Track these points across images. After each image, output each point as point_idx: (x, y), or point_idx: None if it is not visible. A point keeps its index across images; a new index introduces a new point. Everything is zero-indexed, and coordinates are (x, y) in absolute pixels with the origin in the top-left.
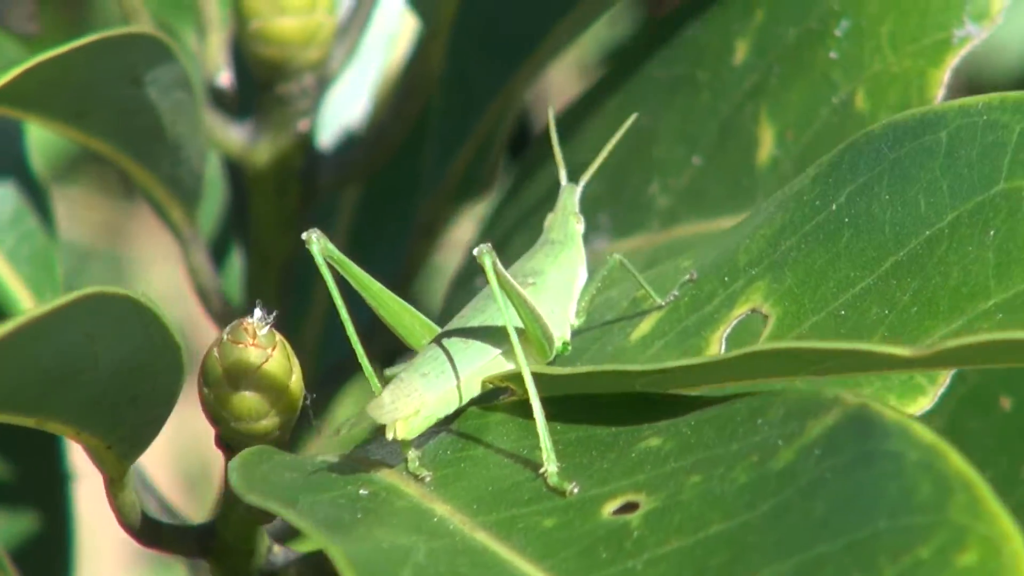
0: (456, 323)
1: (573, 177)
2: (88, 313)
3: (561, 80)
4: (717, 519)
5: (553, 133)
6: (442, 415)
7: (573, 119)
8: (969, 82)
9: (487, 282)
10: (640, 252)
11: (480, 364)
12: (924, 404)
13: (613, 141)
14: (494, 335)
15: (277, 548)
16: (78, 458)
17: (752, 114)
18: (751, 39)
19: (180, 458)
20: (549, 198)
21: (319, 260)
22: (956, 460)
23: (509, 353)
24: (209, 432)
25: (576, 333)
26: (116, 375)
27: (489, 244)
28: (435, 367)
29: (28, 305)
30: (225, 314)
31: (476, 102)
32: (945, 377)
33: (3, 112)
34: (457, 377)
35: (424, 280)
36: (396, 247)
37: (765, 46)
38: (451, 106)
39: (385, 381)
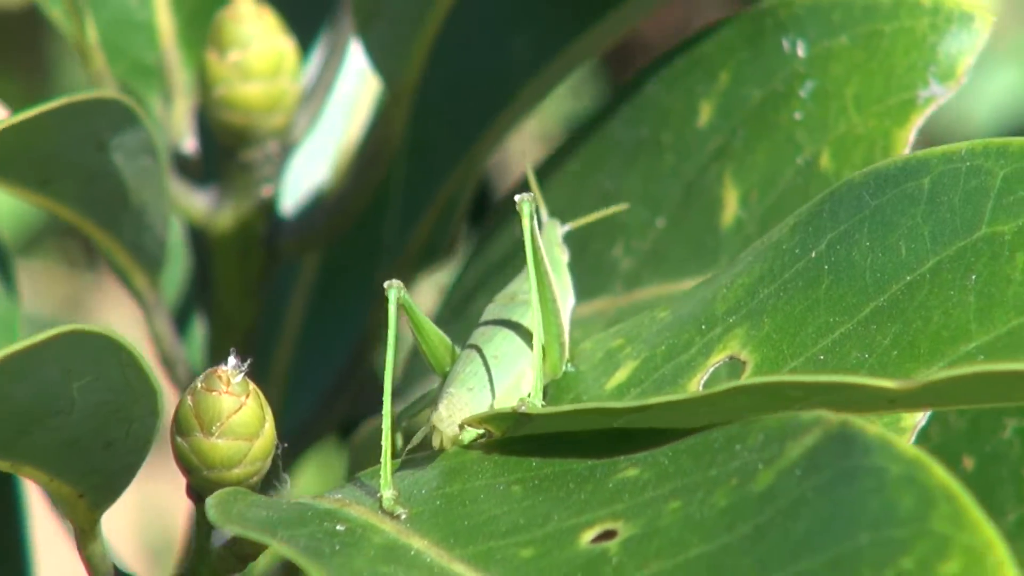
0: (479, 340)
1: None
2: (67, 350)
3: (524, 149)
4: (697, 542)
5: (531, 175)
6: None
7: (537, 180)
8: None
9: (492, 303)
10: (603, 315)
11: (511, 379)
12: None
13: (587, 220)
14: (518, 349)
15: None
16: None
17: (716, 176)
18: (716, 101)
19: (143, 529)
20: (510, 260)
21: (392, 308)
22: (939, 472)
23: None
24: (174, 503)
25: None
26: (91, 417)
27: (530, 194)
28: (477, 382)
29: None
30: (188, 381)
31: (438, 168)
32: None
33: None
34: (495, 392)
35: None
36: (356, 313)
37: (730, 108)
38: (413, 172)
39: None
